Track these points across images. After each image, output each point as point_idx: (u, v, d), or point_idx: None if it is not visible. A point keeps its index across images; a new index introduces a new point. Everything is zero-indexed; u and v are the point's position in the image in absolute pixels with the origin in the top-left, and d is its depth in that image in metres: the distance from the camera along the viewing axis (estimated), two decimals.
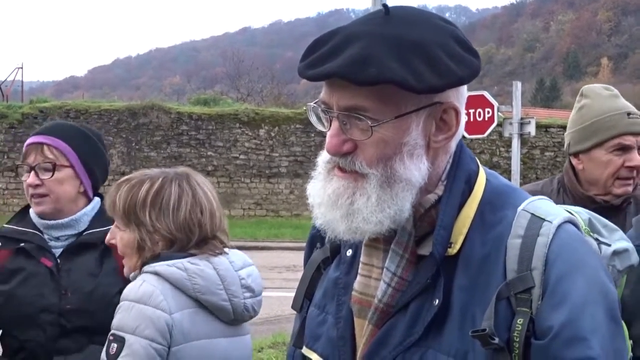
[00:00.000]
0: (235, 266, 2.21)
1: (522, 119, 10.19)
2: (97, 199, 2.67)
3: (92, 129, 2.74)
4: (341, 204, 1.28)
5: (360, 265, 1.38)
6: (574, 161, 2.67)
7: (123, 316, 2.04)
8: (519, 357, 1.19)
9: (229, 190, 22.79)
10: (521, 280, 1.21)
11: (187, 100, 28.22)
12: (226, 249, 2.24)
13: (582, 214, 1.51)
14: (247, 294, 2.20)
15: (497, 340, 1.17)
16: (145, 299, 2.03)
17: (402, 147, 1.26)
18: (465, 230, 1.29)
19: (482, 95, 9.64)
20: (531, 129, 10.14)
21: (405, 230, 1.31)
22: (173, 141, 22.63)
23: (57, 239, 2.58)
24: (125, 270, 2.23)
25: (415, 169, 1.26)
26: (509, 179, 7.01)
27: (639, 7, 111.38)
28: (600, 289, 1.24)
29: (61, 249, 2.56)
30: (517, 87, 10.32)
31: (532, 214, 1.27)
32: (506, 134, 10.50)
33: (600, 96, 2.64)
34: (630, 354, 1.40)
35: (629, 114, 2.57)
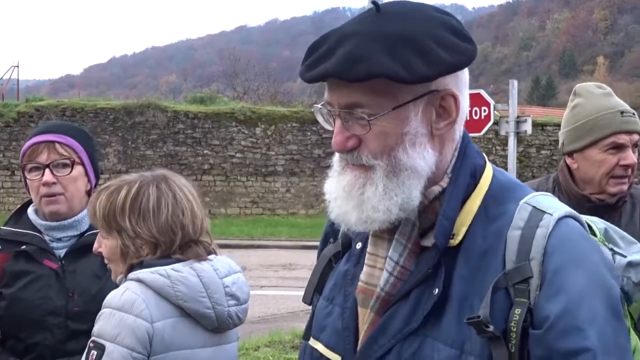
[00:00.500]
0: (220, 274, 2.18)
1: (518, 117, 10.21)
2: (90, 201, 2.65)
3: (85, 129, 2.72)
4: (353, 194, 1.32)
5: (367, 255, 1.41)
6: (568, 160, 2.66)
7: (104, 323, 2.02)
8: (515, 347, 1.19)
9: (225, 189, 22.78)
10: (519, 270, 1.22)
11: (184, 99, 28.18)
12: (211, 256, 2.21)
13: (597, 224, 1.52)
14: (232, 302, 2.17)
15: (491, 328, 1.18)
16: (127, 307, 2.01)
17: (404, 137, 1.29)
18: (468, 223, 1.31)
19: (479, 94, 9.61)
20: (527, 128, 10.14)
21: (409, 220, 1.34)
22: (169, 140, 22.61)
23: (59, 240, 2.55)
24: (112, 276, 2.21)
25: (419, 157, 1.30)
26: None
27: (635, 6, 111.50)
28: (600, 283, 1.23)
29: (64, 251, 2.54)
30: (514, 85, 10.32)
31: (533, 206, 1.28)
32: (502, 133, 10.49)
33: (593, 95, 2.63)
34: None
35: (622, 112, 2.57)
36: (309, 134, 23.03)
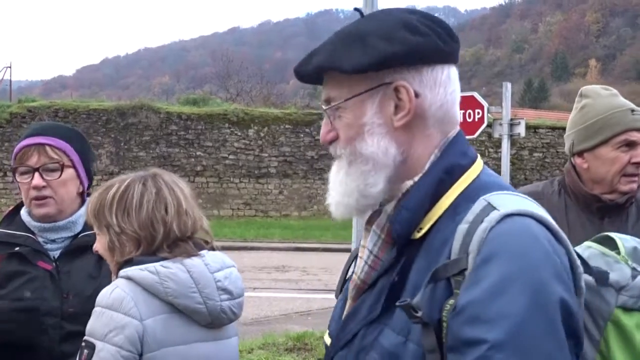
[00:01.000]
0: (211, 268, 2.17)
1: (512, 119, 10.20)
2: (88, 200, 2.65)
3: (79, 130, 2.72)
4: (333, 181, 1.43)
5: (360, 247, 1.47)
6: (578, 160, 2.65)
7: (94, 322, 2.03)
8: (447, 338, 1.18)
9: (218, 191, 22.77)
10: (457, 262, 1.21)
11: (176, 100, 28.15)
12: (203, 251, 2.20)
13: (627, 242, 1.52)
14: (224, 296, 2.17)
15: (419, 313, 1.19)
16: (116, 306, 2.01)
17: (363, 128, 1.37)
18: (435, 218, 1.32)
19: (472, 96, 9.60)
20: (521, 130, 10.13)
21: (385, 212, 1.39)
22: (162, 141, 22.59)
23: (53, 241, 2.54)
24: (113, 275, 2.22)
25: (376, 147, 1.35)
26: None
27: (627, 9, 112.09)
28: (533, 282, 1.15)
29: (58, 252, 2.53)
30: (507, 88, 10.30)
31: (488, 202, 1.26)
32: (496, 135, 10.48)
33: (600, 95, 2.65)
34: None
35: (632, 110, 2.58)
36: (302, 135, 23.04)
